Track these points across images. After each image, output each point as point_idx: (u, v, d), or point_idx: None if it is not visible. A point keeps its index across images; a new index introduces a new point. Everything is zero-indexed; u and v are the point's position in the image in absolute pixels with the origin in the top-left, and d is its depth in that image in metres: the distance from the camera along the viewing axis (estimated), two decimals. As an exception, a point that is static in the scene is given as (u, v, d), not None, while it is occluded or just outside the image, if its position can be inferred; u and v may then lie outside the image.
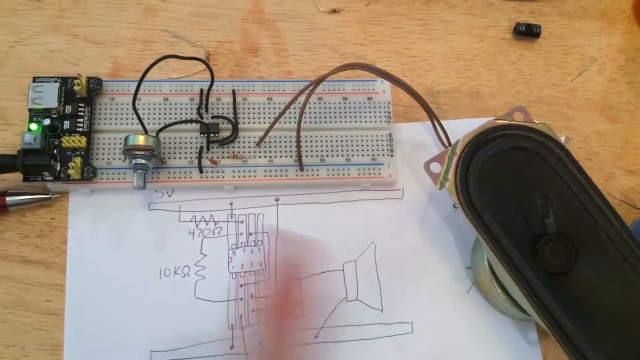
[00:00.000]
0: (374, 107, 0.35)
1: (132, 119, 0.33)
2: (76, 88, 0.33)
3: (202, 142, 0.33)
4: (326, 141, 0.34)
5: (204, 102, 0.34)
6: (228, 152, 0.33)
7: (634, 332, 0.27)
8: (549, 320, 0.27)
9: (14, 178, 0.32)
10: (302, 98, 0.33)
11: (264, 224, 0.33)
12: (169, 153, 0.33)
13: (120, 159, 0.33)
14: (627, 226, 0.29)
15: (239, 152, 0.34)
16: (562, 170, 0.30)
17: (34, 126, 0.32)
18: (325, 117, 0.35)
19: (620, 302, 0.28)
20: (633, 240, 0.28)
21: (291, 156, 0.34)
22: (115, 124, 0.33)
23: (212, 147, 0.33)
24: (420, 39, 0.39)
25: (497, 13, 0.40)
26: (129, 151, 0.31)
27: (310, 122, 0.35)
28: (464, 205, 0.29)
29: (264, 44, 0.38)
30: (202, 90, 0.34)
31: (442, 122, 0.35)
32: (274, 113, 0.34)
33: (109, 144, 0.33)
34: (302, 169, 0.34)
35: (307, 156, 0.34)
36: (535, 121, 0.31)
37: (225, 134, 0.34)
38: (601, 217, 0.29)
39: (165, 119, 0.34)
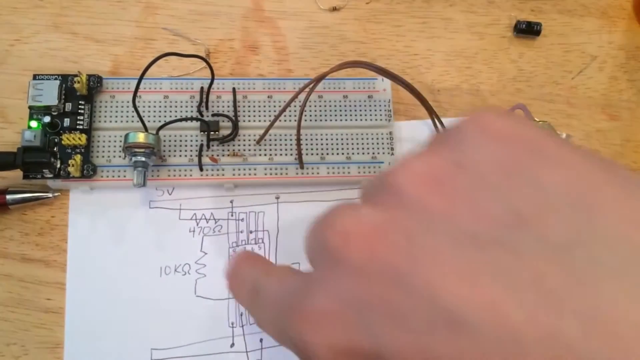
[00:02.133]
0: (375, 105, 0.35)
1: (132, 116, 0.33)
2: (76, 86, 0.33)
3: (202, 140, 0.33)
4: (326, 139, 0.34)
5: (204, 100, 0.34)
6: (228, 150, 0.33)
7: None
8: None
9: (14, 176, 0.32)
10: (302, 96, 0.33)
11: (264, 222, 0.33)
12: (169, 151, 0.33)
13: (120, 156, 0.33)
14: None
15: (239, 150, 0.34)
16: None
17: (34, 123, 0.32)
18: (325, 115, 0.35)
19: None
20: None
21: (291, 154, 0.34)
22: (116, 121, 0.33)
23: (212, 145, 0.33)
24: (421, 37, 0.39)
25: (498, 11, 0.40)
26: (129, 149, 0.31)
27: (311, 120, 0.35)
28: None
29: (264, 41, 0.38)
30: (202, 88, 0.34)
31: (443, 120, 0.35)
32: (274, 111, 0.34)
33: (109, 141, 0.33)
34: (302, 167, 0.34)
35: (307, 154, 0.34)
36: (536, 119, 0.31)
37: (225, 132, 0.34)
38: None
39: (165, 116, 0.34)
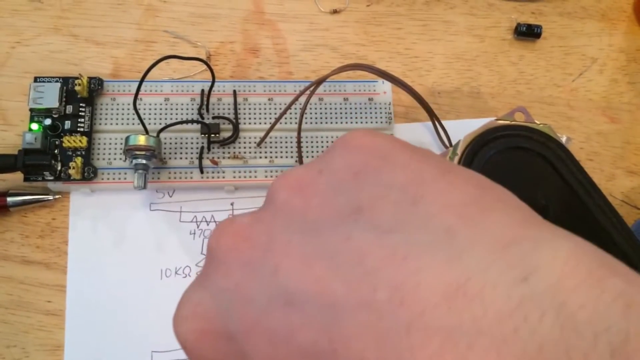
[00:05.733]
0: (375, 108, 0.35)
1: (133, 119, 0.33)
2: (77, 88, 0.33)
3: (202, 143, 0.33)
4: (327, 142, 0.34)
5: (205, 102, 0.34)
6: (229, 153, 0.33)
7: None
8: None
9: (15, 178, 0.32)
10: (303, 99, 0.33)
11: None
12: (170, 153, 0.33)
13: (121, 159, 0.33)
14: (628, 226, 0.29)
15: (239, 152, 0.34)
16: (563, 171, 0.30)
17: (35, 126, 0.32)
18: (326, 118, 0.35)
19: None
20: (634, 241, 0.28)
21: (292, 157, 0.34)
22: (116, 124, 0.33)
23: (213, 148, 0.33)
24: (421, 39, 0.39)
25: (498, 13, 0.40)
26: (130, 151, 0.31)
27: (311, 123, 0.35)
28: (465, 206, 0.29)
29: (265, 44, 0.38)
30: (203, 90, 0.34)
31: (443, 122, 0.35)
32: (275, 113, 0.34)
33: (110, 144, 0.33)
34: (303, 170, 0.33)
35: (308, 157, 0.34)
36: (536, 121, 0.31)
37: (226, 135, 0.34)
38: (602, 217, 0.29)
39: (166, 119, 0.34)
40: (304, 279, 0.13)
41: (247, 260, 0.15)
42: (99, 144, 0.33)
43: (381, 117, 0.35)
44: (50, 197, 0.32)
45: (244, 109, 0.35)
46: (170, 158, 0.33)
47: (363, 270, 0.12)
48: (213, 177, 0.33)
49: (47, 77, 0.33)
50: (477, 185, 0.15)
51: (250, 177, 0.33)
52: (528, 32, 0.39)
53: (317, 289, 0.13)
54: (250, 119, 0.34)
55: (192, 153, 0.33)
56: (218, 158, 0.33)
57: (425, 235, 0.13)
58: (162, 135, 0.32)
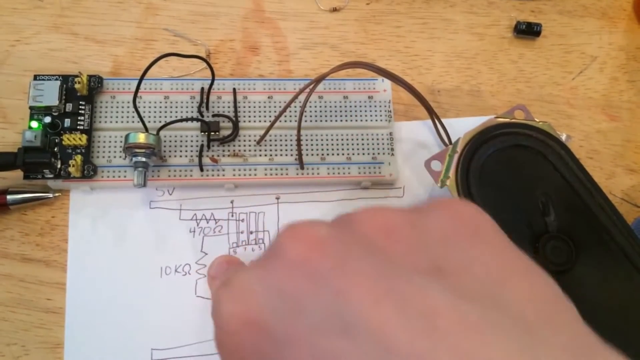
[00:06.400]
0: (375, 106, 0.35)
1: (133, 117, 0.33)
2: (77, 86, 0.33)
3: (202, 141, 0.33)
4: (327, 140, 0.34)
5: (205, 100, 0.34)
6: (228, 151, 0.33)
7: (635, 330, 0.27)
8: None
9: (15, 176, 0.32)
10: (302, 97, 0.33)
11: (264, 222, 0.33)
12: (170, 151, 0.33)
13: (120, 157, 0.33)
14: (628, 224, 0.29)
15: (239, 150, 0.34)
16: (563, 169, 0.30)
17: (34, 124, 0.32)
18: (325, 116, 0.35)
19: (622, 300, 0.28)
20: (634, 239, 0.28)
21: (292, 155, 0.34)
22: (116, 122, 0.33)
23: (213, 146, 0.33)
24: (421, 37, 0.39)
25: (498, 11, 0.40)
26: (130, 149, 0.31)
27: (311, 121, 0.35)
28: (464, 203, 0.29)
29: (265, 42, 0.38)
30: (202, 88, 0.34)
31: (443, 120, 0.35)
32: (275, 111, 0.34)
33: (110, 142, 0.33)
34: (302, 168, 0.34)
35: (307, 155, 0.34)
36: (536, 119, 0.31)
37: (225, 133, 0.34)
38: (602, 215, 0.29)
39: (165, 117, 0.34)
40: (370, 314, 0.13)
41: (313, 272, 0.15)
42: (99, 141, 0.33)
43: (381, 115, 0.35)
44: (50, 195, 0.32)
45: (244, 107, 0.35)
46: (170, 156, 0.33)
47: (431, 327, 0.12)
48: (213, 175, 0.33)
49: (47, 75, 0.33)
50: (554, 289, 0.15)
51: (250, 175, 0.33)
52: (528, 31, 0.39)
53: (379, 328, 0.13)
54: (250, 117, 0.34)
55: (191, 151, 0.33)
56: (218, 156, 0.33)
57: (502, 317, 0.13)
58: (161, 133, 0.32)
